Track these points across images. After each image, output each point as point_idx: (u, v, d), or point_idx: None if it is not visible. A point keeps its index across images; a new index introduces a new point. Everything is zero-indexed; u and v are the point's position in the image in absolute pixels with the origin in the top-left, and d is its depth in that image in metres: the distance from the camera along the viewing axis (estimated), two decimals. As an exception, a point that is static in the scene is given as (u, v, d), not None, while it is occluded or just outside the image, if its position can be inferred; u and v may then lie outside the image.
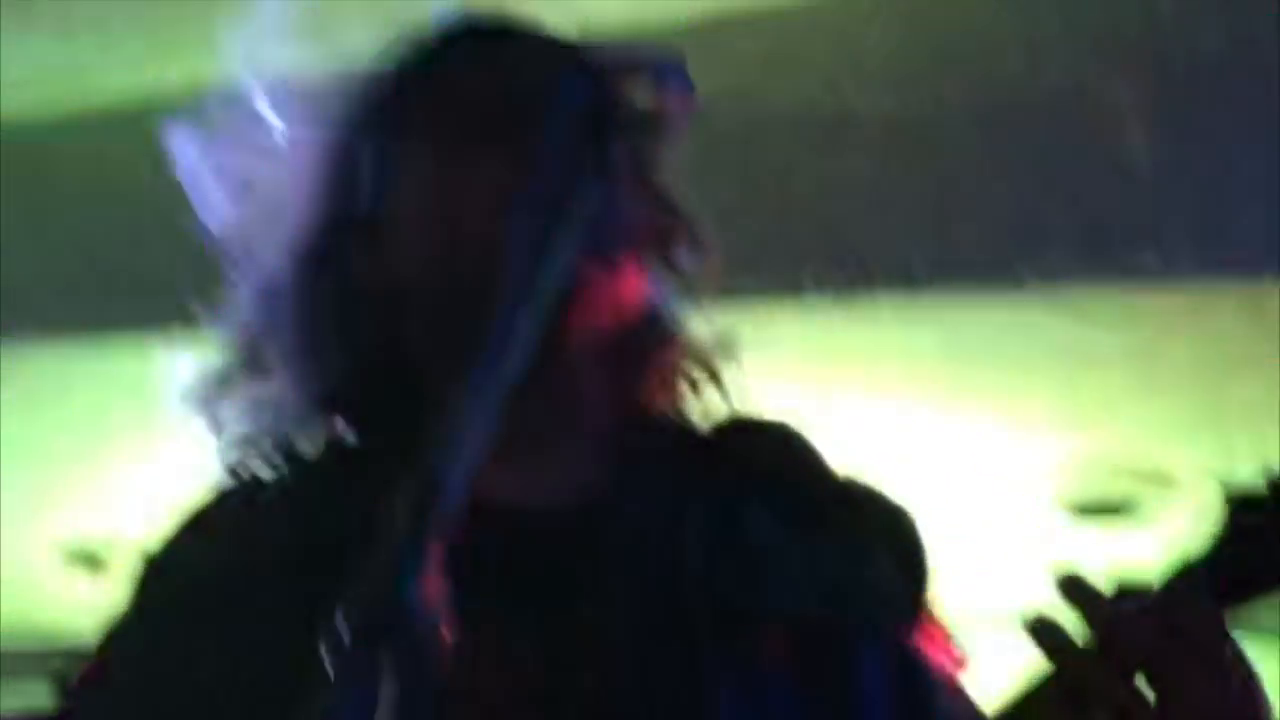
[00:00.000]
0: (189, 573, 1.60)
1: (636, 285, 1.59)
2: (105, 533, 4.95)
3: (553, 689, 1.50)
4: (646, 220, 1.60)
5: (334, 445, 1.63)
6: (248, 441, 1.64)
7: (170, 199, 1.69)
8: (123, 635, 1.61)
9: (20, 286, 3.99)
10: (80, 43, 3.78)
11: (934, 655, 1.64)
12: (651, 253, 1.61)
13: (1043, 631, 1.41)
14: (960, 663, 1.65)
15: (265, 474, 1.64)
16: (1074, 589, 1.42)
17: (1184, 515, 4.26)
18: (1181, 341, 3.71)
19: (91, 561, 5.03)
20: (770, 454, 1.67)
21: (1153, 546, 4.62)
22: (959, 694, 1.63)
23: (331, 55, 1.75)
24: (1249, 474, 1.44)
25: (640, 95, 1.38)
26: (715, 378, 1.68)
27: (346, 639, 1.07)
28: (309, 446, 1.64)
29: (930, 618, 1.66)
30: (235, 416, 1.65)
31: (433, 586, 1.11)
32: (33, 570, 5.13)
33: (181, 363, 1.68)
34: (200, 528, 1.64)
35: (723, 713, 1.50)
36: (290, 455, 1.64)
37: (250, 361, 1.65)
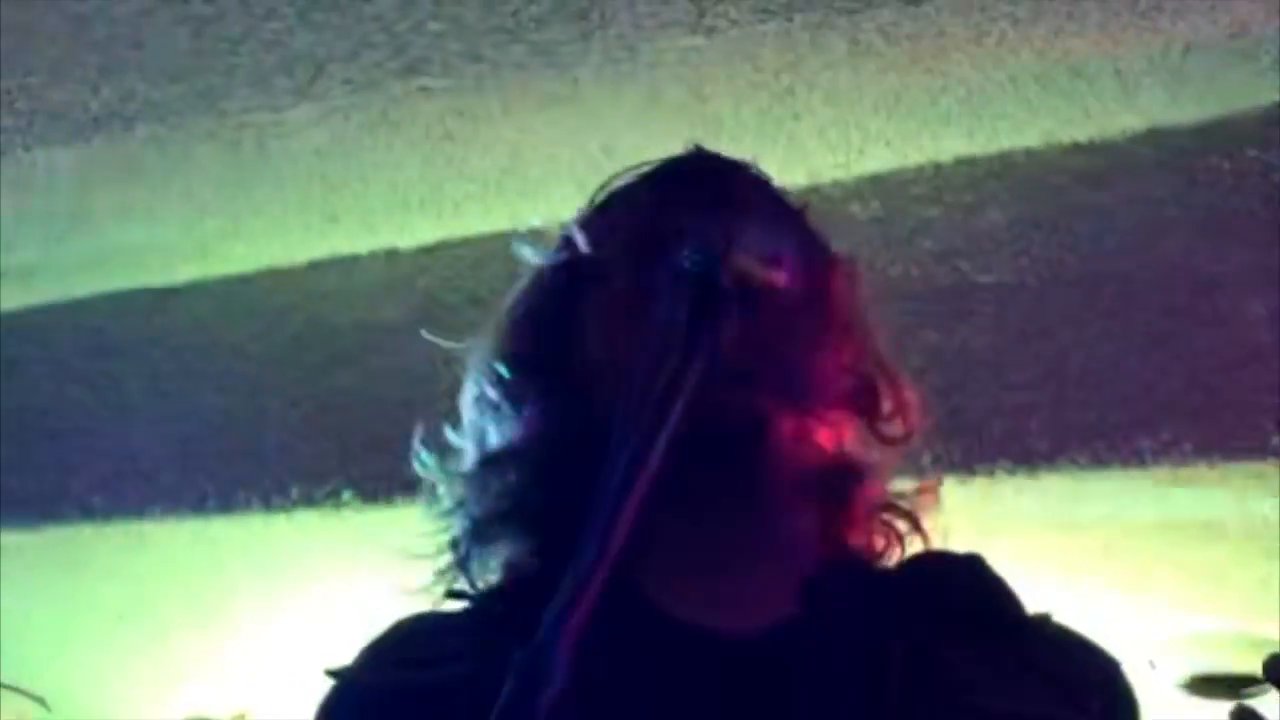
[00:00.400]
0: (362, 695, 1.62)
1: (836, 433, 1.64)
2: (231, 711, 4.96)
3: None
4: (848, 375, 1.65)
5: (510, 585, 1.65)
6: (447, 569, 1.69)
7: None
8: None
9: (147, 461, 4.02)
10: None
11: None
12: (853, 405, 1.66)
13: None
14: None
15: (449, 605, 1.68)
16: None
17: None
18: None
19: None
20: (967, 587, 1.66)
21: (1276, 723, 4.50)
22: None
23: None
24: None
25: (752, 265, 1.41)
26: (913, 523, 1.70)
27: None
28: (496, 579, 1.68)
29: None
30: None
31: None
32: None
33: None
34: (369, 655, 1.66)
35: None
36: (475, 591, 1.68)
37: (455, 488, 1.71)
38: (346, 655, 1.67)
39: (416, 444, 1.76)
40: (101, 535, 4.05)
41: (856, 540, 1.69)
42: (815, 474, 1.64)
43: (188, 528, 4.02)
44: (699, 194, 1.64)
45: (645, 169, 1.74)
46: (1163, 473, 3.48)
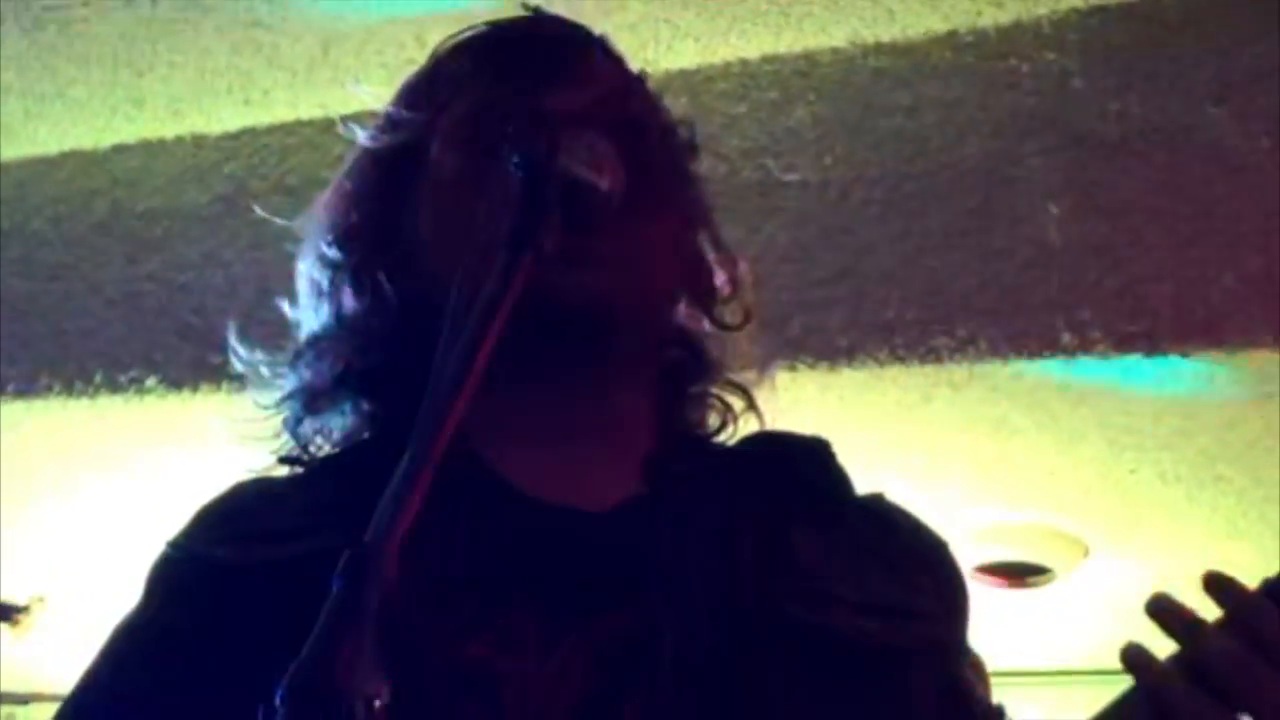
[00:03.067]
0: (187, 571, 1.60)
1: (672, 313, 1.67)
2: (27, 593, 4.91)
3: (607, 690, 1.48)
4: (683, 257, 1.67)
5: (353, 451, 1.65)
6: (283, 428, 1.68)
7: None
8: (131, 616, 1.62)
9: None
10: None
11: (972, 675, 1.66)
12: (689, 287, 1.69)
13: (1133, 656, 1.38)
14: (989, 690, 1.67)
15: (278, 471, 1.67)
16: (1162, 611, 1.39)
17: (1094, 576, 4.30)
18: (1092, 414, 3.74)
19: (8, 615, 4.98)
20: (813, 471, 1.69)
21: (1066, 605, 4.63)
22: (1002, 715, 1.65)
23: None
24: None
25: (579, 167, 1.43)
26: (750, 403, 1.72)
27: (282, 708, 1.08)
28: (325, 444, 1.68)
29: (966, 643, 1.68)
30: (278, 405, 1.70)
31: (364, 659, 1.10)
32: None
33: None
34: (203, 524, 1.64)
35: (781, 710, 1.49)
36: (304, 456, 1.68)
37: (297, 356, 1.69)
38: (144, 540, 1.66)
39: (232, 338, 1.74)
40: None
41: (693, 417, 1.71)
42: (653, 353, 1.66)
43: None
44: (529, 71, 1.64)
45: (480, 31, 1.73)
46: (959, 370, 3.54)
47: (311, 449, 1.68)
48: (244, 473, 1.68)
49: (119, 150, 3.96)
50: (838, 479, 1.70)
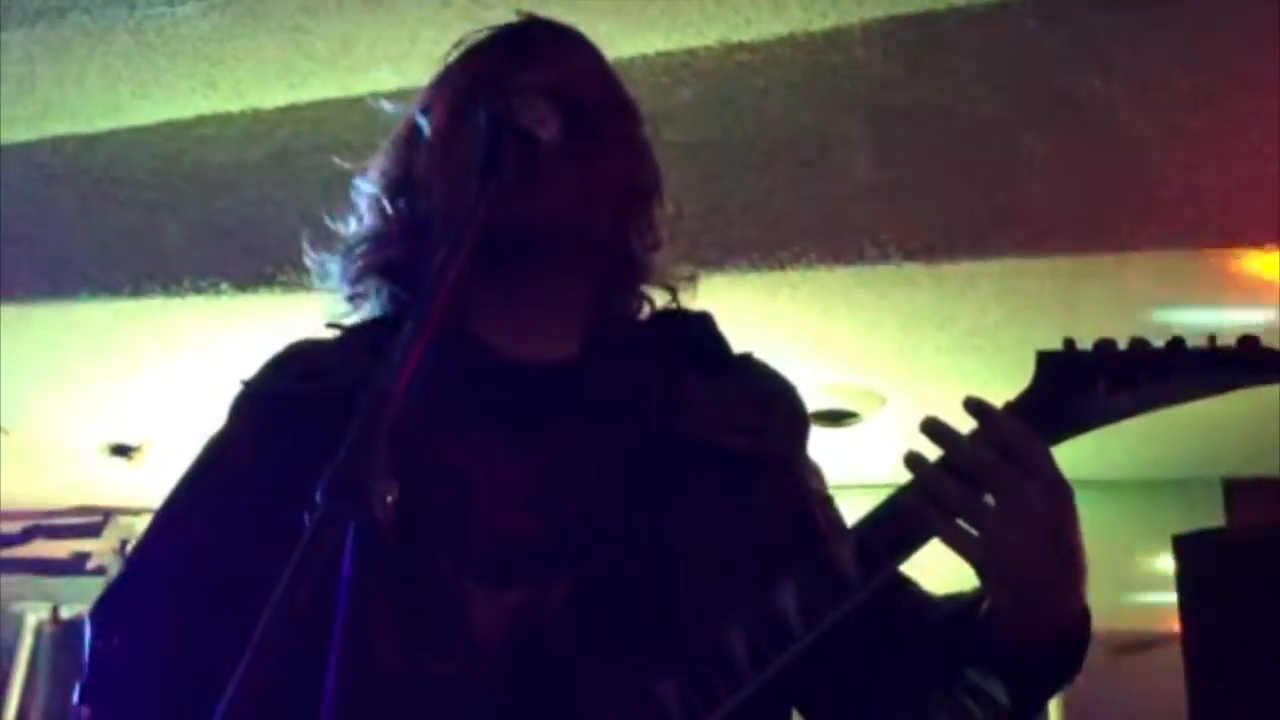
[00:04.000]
0: (257, 401, 1.60)
1: (611, 227, 1.64)
2: (140, 436, 4.89)
3: (552, 483, 1.49)
4: (623, 187, 1.65)
5: (378, 320, 1.64)
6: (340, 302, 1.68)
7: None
8: (214, 436, 1.62)
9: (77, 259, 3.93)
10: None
11: (813, 480, 1.66)
12: (627, 208, 1.66)
13: (912, 459, 1.39)
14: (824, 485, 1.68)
15: (331, 334, 1.66)
16: (932, 427, 1.40)
17: (890, 418, 4.33)
18: (887, 305, 3.76)
19: (126, 452, 4.95)
20: (698, 333, 1.69)
21: (868, 444, 4.66)
22: (829, 505, 1.65)
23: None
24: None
25: (526, 116, 1.43)
26: (672, 293, 1.71)
27: (321, 501, 1.09)
28: (367, 314, 1.67)
29: (808, 456, 1.69)
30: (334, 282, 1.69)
31: (381, 463, 1.10)
32: (81, 458, 5.03)
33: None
34: (268, 367, 1.64)
35: (674, 501, 1.50)
36: (352, 324, 1.67)
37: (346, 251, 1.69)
38: (219, 397, 1.65)
39: (306, 246, 1.74)
40: (50, 311, 3.95)
41: (624, 307, 1.70)
42: (594, 259, 1.65)
43: (109, 308, 3.94)
44: (505, 56, 1.63)
45: (480, 33, 1.71)
46: (796, 275, 3.55)
47: (348, 321, 1.69)
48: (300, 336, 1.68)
49: (198, 120, 3.91)
50: (719, 342, 1.70)
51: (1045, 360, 1.41)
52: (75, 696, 1.51)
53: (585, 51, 1.72)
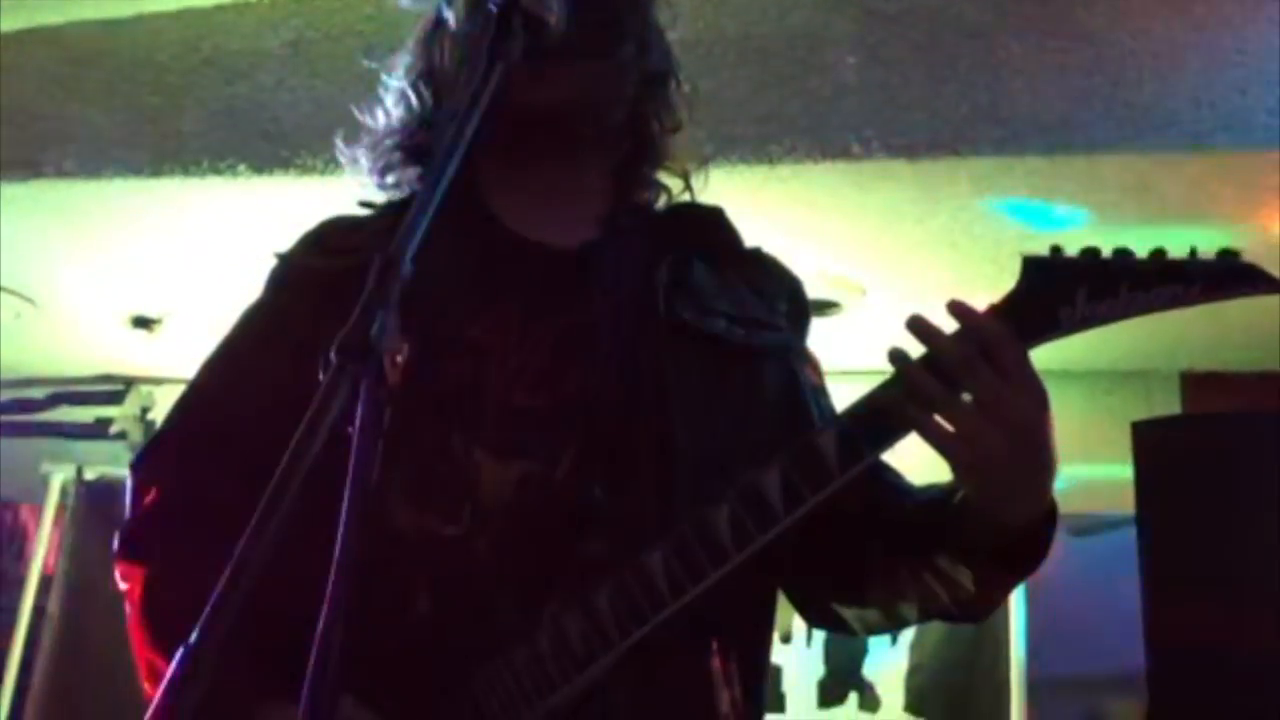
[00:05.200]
0: (292, 273, 1.63)
1: (626, 115, 1.65)
2: (159, 308, 4.90)
3: (561, 360, 1.52)
4: (634, 81, 1.65)
5: (404, 200, 1.65)
6: (365, 183, 1.70)
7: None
8: (250, 310, 1.65)
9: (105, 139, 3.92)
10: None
11: (809, 372, 1.68)
12: (641, 101, 1.66)
13: (896, 355, 1.40)
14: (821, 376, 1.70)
15: (361, 211, 1.69)
16: (917, 325, 1.40)
17: (869, 309, 4.35)
18: (870, 200, 3.76)
19: (147, 324, 4.96)
20: (709, 226, 1.70)
21: (849, 332, 4.67)
22: (822, 394, 1.68)
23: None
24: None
25: (533, 5, 1.42)
26: (685, 180, 1.72)
27: (333, 360, 1.10)
28: (394, 194, 1.68)
29: (806, 348, 1.71)
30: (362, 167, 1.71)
31: (390, 327, 1.12)
32: (105, 329, 5.05)
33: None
34: (303, 242, 1.67)
35: (676, 385, 1.52)
36: (382, 202, 1.69)
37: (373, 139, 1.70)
38: (233, 273, 1.67)
39: (338, 142, 1.75)
40: (77, 189, 3.95)
41: (642, 192, 1.71)
42: (611, 142, 1.66)
43: (132, 186, 3.94)
44: None
45: None
46: (785, 169, 3.55)
47: (381, 198, 1.70)
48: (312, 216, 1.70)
49: (218, 8, 3.89)
50: (731, 233, 1.71)
51: (1030, 265, 1.41)
52: (115, 540, 1.55)
53: None
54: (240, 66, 3.89)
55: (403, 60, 1.71)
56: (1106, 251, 1.40)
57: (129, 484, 1.58)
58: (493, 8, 1.42)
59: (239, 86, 3.89)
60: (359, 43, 1.79)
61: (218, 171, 3.82)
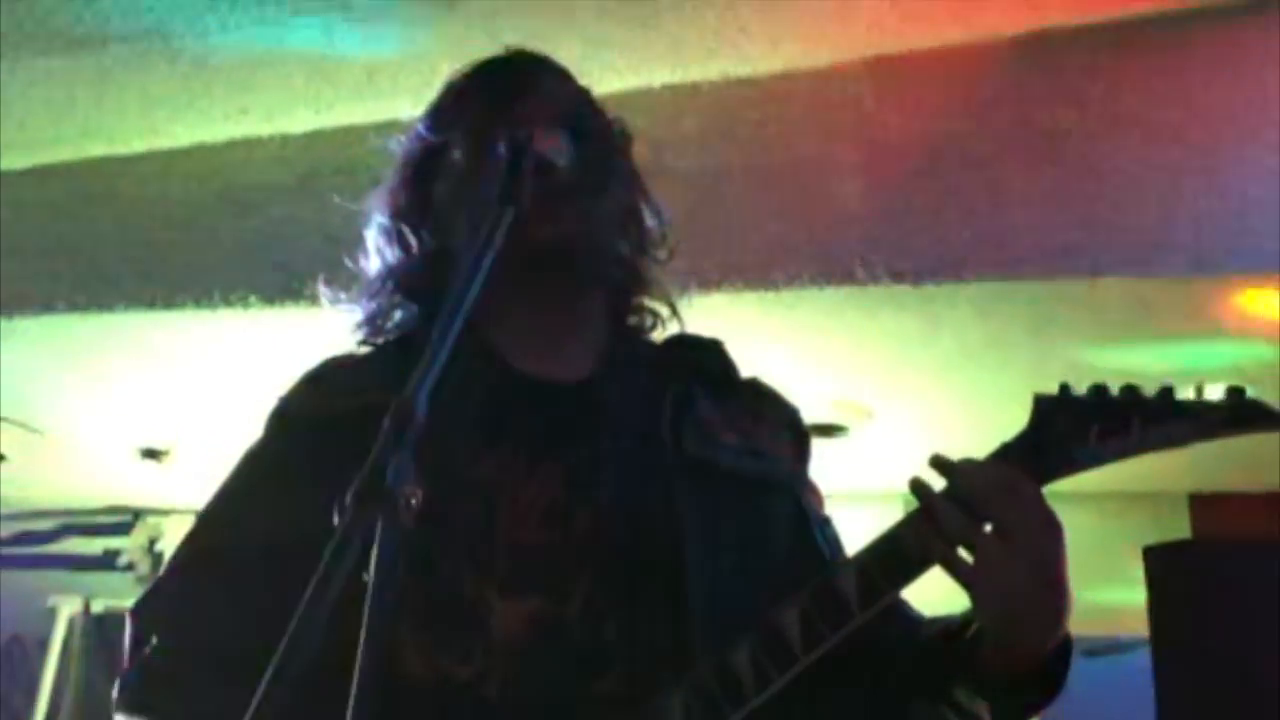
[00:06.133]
0: (292, 415, 1.61)
1: (622, 248, 1.66)
2: (169, 439, 4.89)
3: (568, 500, 1.50)
4: (626, 210, 1.67)
5: (404, 339, 1.64)
6: (358, 327, 1.68)
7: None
8: (251, 448, 1.62)
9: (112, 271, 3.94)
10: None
11: (814, 502, 1.67)
12: (631, 230, 1.68)
13: (917, 486, 1.41)
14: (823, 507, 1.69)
15: (361, 351, 1.67)
16: (939, 461, 1.42)
17: (877, 433, 4.33)
18: (877, 326, 3.76)
19: (156, 455, 4.95)
20: (709, 358, 1.70)
21: (856, 456, 4.63)
22: (828, 525, 1.66)
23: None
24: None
25: (544, 146, 1.43)
26: (674, 310, 1.72)
27: (349, 505, 1.09)
28: (393, 334, 1.67)
29: (809, 478, 1.70)
30: (358, 308, 1.70)
31: (405, 471, 1.11)
32: (113, 460, 5.03)
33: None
34: (304, 384, 1.64)
35: (686, 520, 1.51)
36: (381, 342, 1.68)
37: (368, 284, 1.70)
38: (245, 406, 1.65)
39: (321, 286, 1.75)
40: (89, 321, 3.96)
41: (634, 320, 1.71)
42: (605, 276, 1.66)
43: (143, 319, 3.95)
44: (509, 91, 1.64)
45: (477, 65, 1.72)
46: (789, 294, 3.56)
47: (380, 338, 1.69)
48: (323, 349, 1.69)
49: (230, 144, 3.92)
50: (729, 365, 1.71)
51: (1041, 403, 1.44)
52: (115, 690, 1.52)
53: (572, 79, 1.73)
54: (252, 200, 3.92)
55: (391, 197, 1.71)
56: (1115, 389, 1.43)
57: (128, 629, 1.56)
58: (503, 151, 1.43)
59: (250, 220, 3.91)
60: (369, 177, 1.78)
61: (229, 304, 3.83)
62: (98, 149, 3.92)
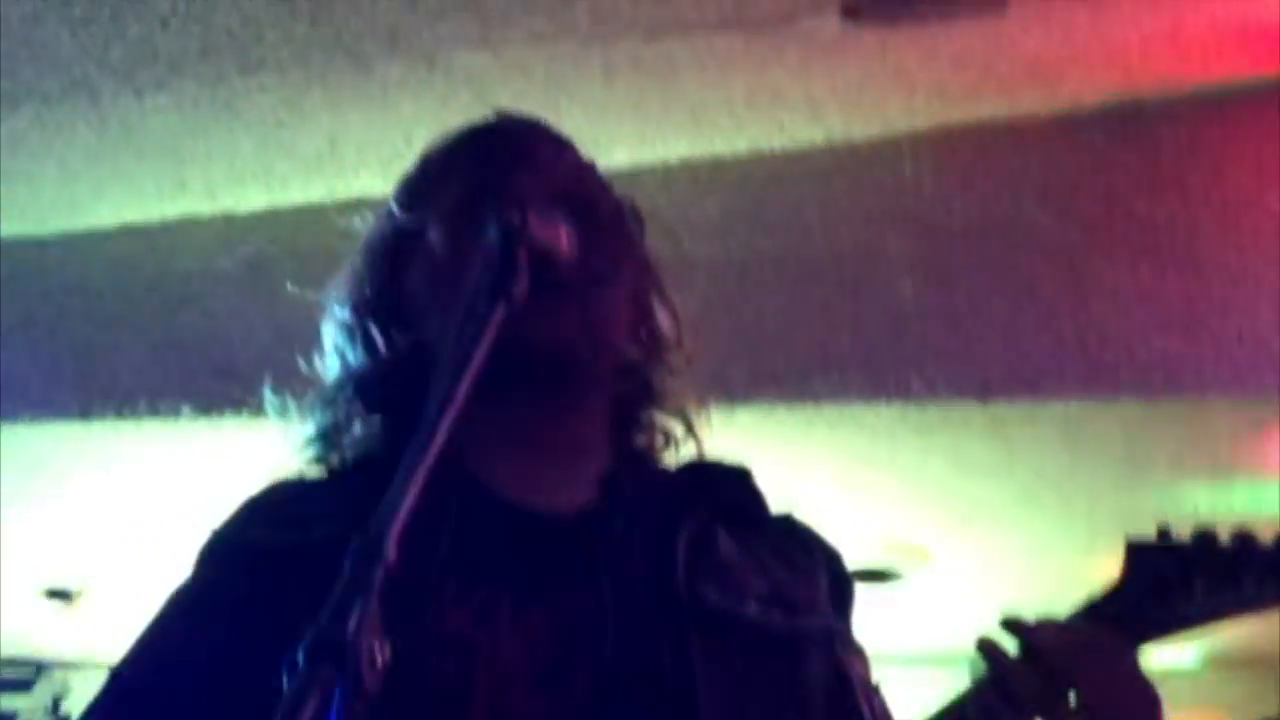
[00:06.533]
0: (229, 550, 1.57)
1: (626, 354, 1.64)
2: (79, 579, 4.87)
3: (563, 656, 1.47)
4: (634, 306, 1.65)
5: (367, 459, 1.62)
6: (309, 443, 1.66)
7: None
8: (179, 589, 1.58)
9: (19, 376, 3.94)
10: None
11: (858, 665, 1.65)
12: (640, 332, 1.66)
13: (987, 648, 1.42)
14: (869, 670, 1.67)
15: (312, 473, 1.65)
16: (1011, 624, 1.43)
17: (935, 579, 4.32)
18: (932, 451, 3.75)
19: (65, 596, 4.93)
20: (733, 487, 1.68)
21: (911, 607, 4.64)
22: (877, 695, 1.64)
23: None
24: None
25: (543, 230, 1.42)
26: (690, 429, 1.70)
27: (302, 663, 1.06)
28: (349, 455, 1.65)
29: (853, 636, 1.67)
30: (312, 421, 1.67)
31: (370, 623, 1.08)
32: (15, 602, 5.01)
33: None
34: (243, 514, 1.61)
35: (703, 684, 1.47)
36: (337, 462, 1.65)
37: (324, 391, 1.68)
38: (174, 537, 1.63)
39: (267, 393, 1.73)
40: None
41: (642, 439, 1.69)
42: (609, 386, 1.64)
43: (53, 432, 3.95)
44: (501, 162, 1.64)
45: (459, 133, 1.71)
46: (832, 410, 3.56)
47: (336, 458, 1.67)
48: (272, 470, 1.67)
49: (164, 224, 3.96)
50: (757, 497, 1.69)
51: (1136, 550, 1.45)
52: None
53: (573, 149, 1.73)
54: (188, 291, 3.93)
55: (355, 288, 1.70)
56: (1224, 535, 1.42)
57: None
58: (493, 237, 1.42)
59: (185, 314, 3.92)
60: (331, 264, 1.77)
61: (157, 414, 3.83)
62: (7, 227, 3.95)
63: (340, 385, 1.67)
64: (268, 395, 1.73)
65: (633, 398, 1.68)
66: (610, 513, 1.58)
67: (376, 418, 1.65)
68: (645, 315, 1.69)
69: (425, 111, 3.31)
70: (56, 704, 5.33)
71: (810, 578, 1.64)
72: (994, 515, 4.01)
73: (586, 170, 1.72)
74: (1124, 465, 3.64)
